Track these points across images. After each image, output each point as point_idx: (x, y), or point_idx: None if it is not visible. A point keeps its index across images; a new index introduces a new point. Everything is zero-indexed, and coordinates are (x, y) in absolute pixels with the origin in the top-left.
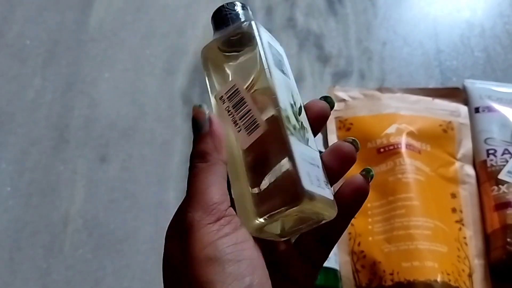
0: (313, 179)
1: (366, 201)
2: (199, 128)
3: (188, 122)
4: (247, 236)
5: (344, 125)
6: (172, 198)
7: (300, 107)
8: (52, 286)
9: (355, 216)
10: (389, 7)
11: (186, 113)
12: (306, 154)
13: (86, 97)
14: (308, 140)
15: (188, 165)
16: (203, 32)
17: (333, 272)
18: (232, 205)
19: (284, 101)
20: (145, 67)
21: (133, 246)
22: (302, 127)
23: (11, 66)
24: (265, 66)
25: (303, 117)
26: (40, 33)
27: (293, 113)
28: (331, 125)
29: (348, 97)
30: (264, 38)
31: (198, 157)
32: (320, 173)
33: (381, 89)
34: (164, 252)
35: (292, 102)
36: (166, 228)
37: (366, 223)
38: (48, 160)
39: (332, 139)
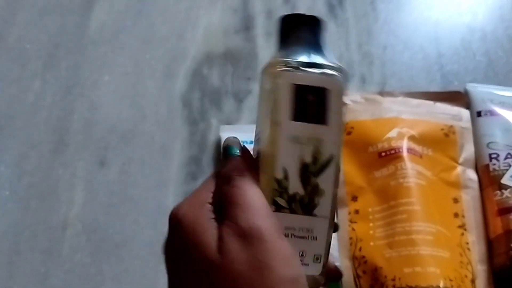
0: None
1: (367, 205)
2: (233, 151)
3: (188, 126)
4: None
5: (345, 129)
6: (171, 202)
7: (327, 161)
8: None
9: (356, 220)
10: (389, 11)
11: (185, 117)
12: (293, 228)
13: (86, 101)
14: (314, 207)
15: (187, 169)
16: (203, 36)
17: None
18: None
19: (279, 170)
20: (145, 71)
21: (132, 250)
22: (312, 191)
23: (11, 69)
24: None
25: (327, 176)
26: (40, 37)
27: (292, 181)
28: None
29: (349, 101)
30: None
31: (236, 170)
32: (310, 246)
33: (382, 93)
34: (226, 252)
35: (297, 167)
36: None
37: (367, 228)
38: (47, 164)
39: None
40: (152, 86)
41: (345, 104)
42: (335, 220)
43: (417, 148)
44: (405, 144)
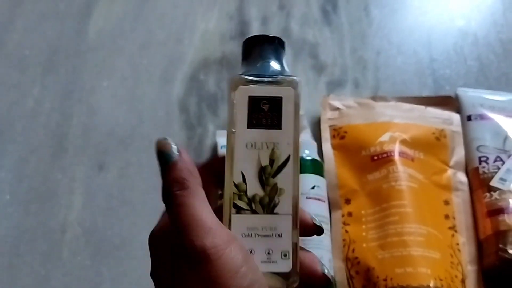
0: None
1: (360, 208)
2: (168, 157)
3: (185, 130)
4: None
5: (338, 134)
6: None
7: (284, 162)
8: None
9: (349, 223)
10: (383, 17)
11: (183, 121)
12: (256, 227)
13: (85, 106)
14: (275, 206)
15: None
16: (200, 41)
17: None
18: None
19: (237, 175)
20: (143, 76)
21: (130, 252)
22: (271, 191)
23: (11, 75)
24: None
25: (285, 175)
26: (39, 43)
27: (251, 184)
28: (325, 133)
29: (342, 105)
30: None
31: (176, 184)
32: (276, 243)
33: (375, 98)
34: (178, 278)
35: (256, 170)
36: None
37: (360, 230)
38: (46, 168)
39: (327, 147)
40: (150, 91)
41: (298, 107)
42: (319, 224)
43: (409, 151)
44: (397, 148)
